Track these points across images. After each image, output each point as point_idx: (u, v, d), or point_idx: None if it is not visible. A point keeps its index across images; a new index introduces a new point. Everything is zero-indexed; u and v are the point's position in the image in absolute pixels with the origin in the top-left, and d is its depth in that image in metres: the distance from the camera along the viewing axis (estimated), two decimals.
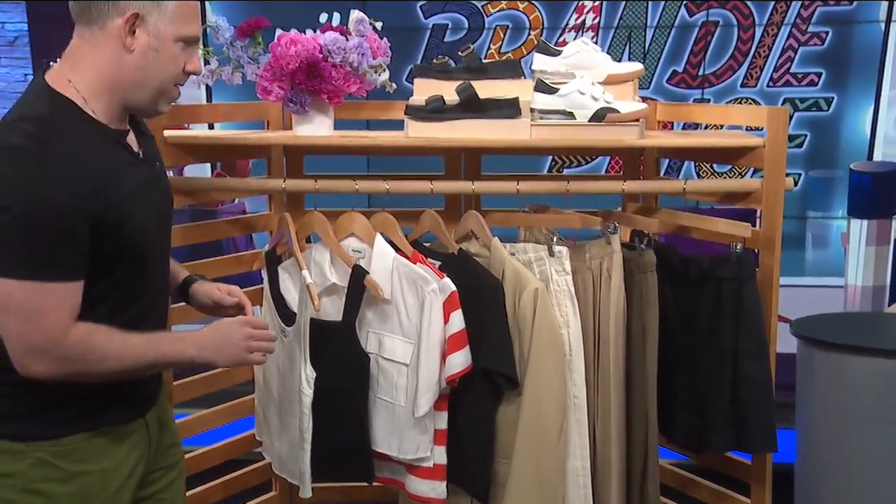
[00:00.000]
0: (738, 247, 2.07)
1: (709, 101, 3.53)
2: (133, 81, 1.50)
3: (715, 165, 3.52)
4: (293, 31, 2.09)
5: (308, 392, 2.03)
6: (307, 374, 2.03)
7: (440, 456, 2.05)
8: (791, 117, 2.62)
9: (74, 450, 1.49)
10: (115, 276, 1.49)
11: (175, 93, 1.57)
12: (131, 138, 1.57)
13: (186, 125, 2.46)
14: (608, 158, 3.53)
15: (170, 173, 2.09)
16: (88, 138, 1.46)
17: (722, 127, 2.62)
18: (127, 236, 1.47)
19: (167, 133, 2.07)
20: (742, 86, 3.52)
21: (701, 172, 3.55)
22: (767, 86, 3.53)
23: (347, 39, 2.09)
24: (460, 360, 1.97)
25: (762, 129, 2.13)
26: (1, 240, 1.36)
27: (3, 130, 1.42)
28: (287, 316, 2.12)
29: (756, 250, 2.15)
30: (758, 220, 2.39)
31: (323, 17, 2.15)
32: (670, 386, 2.15)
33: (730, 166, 3.45)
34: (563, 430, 2.00)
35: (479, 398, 2.04)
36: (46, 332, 1.40)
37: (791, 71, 3.54)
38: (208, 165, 3.46)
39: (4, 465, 1.46)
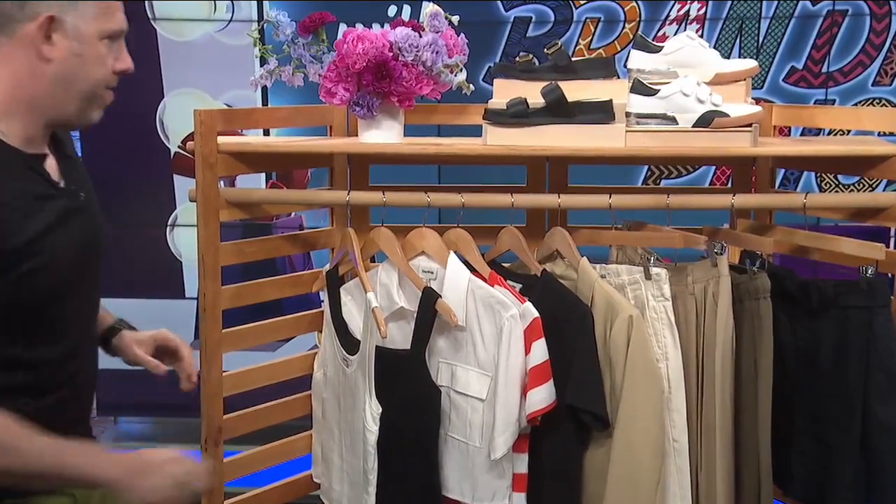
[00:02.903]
0: (869, 271, 2.04)
1: (834, 102, 3.48)
2: (54, 93, 1.48)
3: (840, 177, 3.46)
4: (360, 27, 2.14)
5: (373, 429, 2.07)
6: (372, 408, 2.07)
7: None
8: None
9: None
10: (25, 322, 1.48)
11: (108, 96, 1.56)
12: (51, 164, 1.56)
13: (240, 131, 2.54)
14: (713, 168, 3.51)
15: (221, 184, 2.18)
16: None
17: (849, 132, 2.59)
18: (34, 276, 1.45)
19: (220, 140, 2.15)
20: (874, 84, 3.46)
21: (823, 185, 3.50)
22: None
23: (420, 36, 2.13)
24: (543, 396, 1.98)
25: None
26: None
27: None
28: (350, 343, 2.16)
29: (890, 275, 2.11)
30: (892, 240, 2.36)
31: (392, 11, 2.20)
32: (787, 430, 2.12)
33: (857, 178, 3.39)
34: (661, 480, 1.99)
35: (564, 440, 2.05)
36: None
37: None
38: (262, 176, 3.56)
39: None
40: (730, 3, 3.42)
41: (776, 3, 3.42)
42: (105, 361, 3.70)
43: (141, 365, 1.77)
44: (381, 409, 2.07)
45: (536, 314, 1.99)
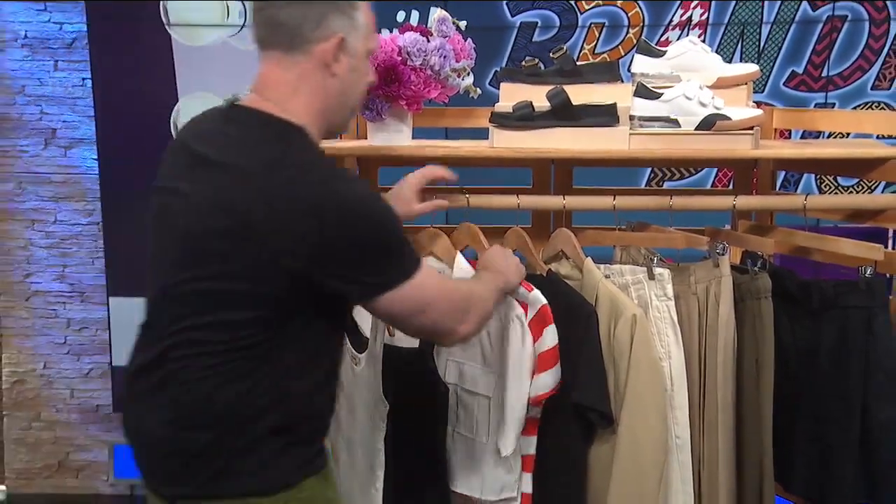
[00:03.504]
0: (868, 271, 2.04)
1: (833, 105, 3.47)
2: (336, 106, 1.64)
3: (839, 179, 3.46)
4: None
5: (381, 426, 2.07)
6: (380, 406, 2.08)
7: (527, 484, 2.06)
8: None
9: (313, 496, 1.61)
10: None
11: (360, 107, 1.74)
12: None
13: None
14: (715, 170, 3.50)
15: None
16: None
17: (848, 135, 2.58)
18: None
19: None
20: (873, 88, 3.45)
21: (823, 187, 3.49)
22: None
23: (428, 41, 2.14)
24: (549, 381, 1.99)
25: None
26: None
27: (322, 176, 1.55)
28: (359, 342, 2.17)
29: (889, 275, 2.11)
30: (890, 241, 2.35)
31: (401, 17, 2.20)
32: (788, 428, 2.12)
33: (856, 180, 3.38)
34: (664, 475, 2.00)
35: (570, 438, 2.05)
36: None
37: None
38: None
39: None
40: (732, 8, 3.42)
41: (777, 8, 3.41)
42: (120, 359, 3.69)
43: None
44: (388, 407, 2.07)
45: (544, 301, 1.99)
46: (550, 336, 1.98)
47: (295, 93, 1.60)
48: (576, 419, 2.02)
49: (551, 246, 2.19)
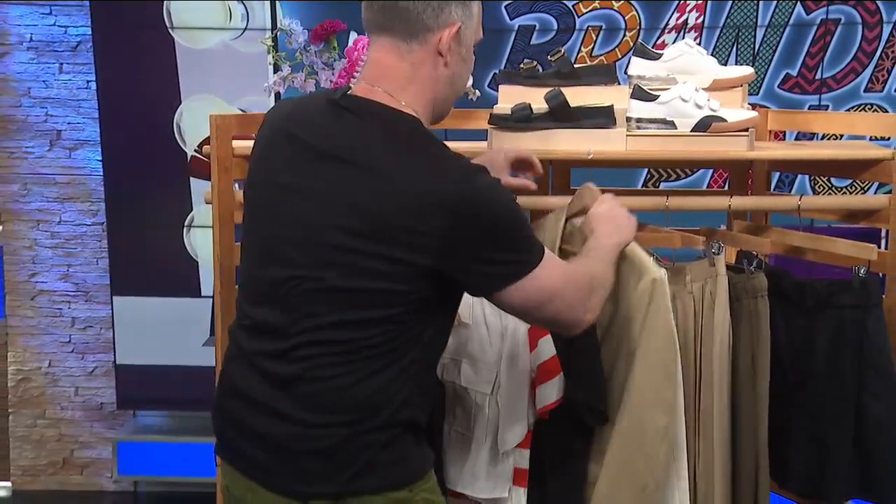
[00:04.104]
0: (862, 271, 2.03)
1: (827, 107, 3.47)
2: (447, 94, 1.61)
3: (833, 180, 3.45)
4: None
5: None
6: None
7: (519, 499, 2.05)
8: None
9: (435, 484, 1.62)
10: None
11: None
12: None
13: (255, 136, 2.54)
14: (710, 171, 3.50)
15: (236, 186, 2.18)
16: None
17: (841, 137, 2.58)
18: None
19: (236, 144, 2.14)
20: (866, 90, 3.45)
21: (817, 187, 3.49)
22: None
23: None
24: (551, 392, 1.97)
25: (889, 138, 2.09)
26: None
27: (459, 170, 1.51)
28: None
29: (882, 275, 2.11)
30: (883, 241, 2.35)
31: None
32: (783, 425, 2.11)
33: (850, 181, 3.38)
34: (669, 438, 1.94)
35: (564, 437, 2.03)
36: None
37: None
38: None
39: None
40: (727, 11, 3.42)
41: (772, 11, 3.41)
42: (124, 357, 3.69)
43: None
44: None
45: None
46: (547, 347, 1.97)
47: (410, 82, 1.55)
48: (568, 418, 1.99)
49: (577, 201, 2.07)
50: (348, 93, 1.58)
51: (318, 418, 1.53)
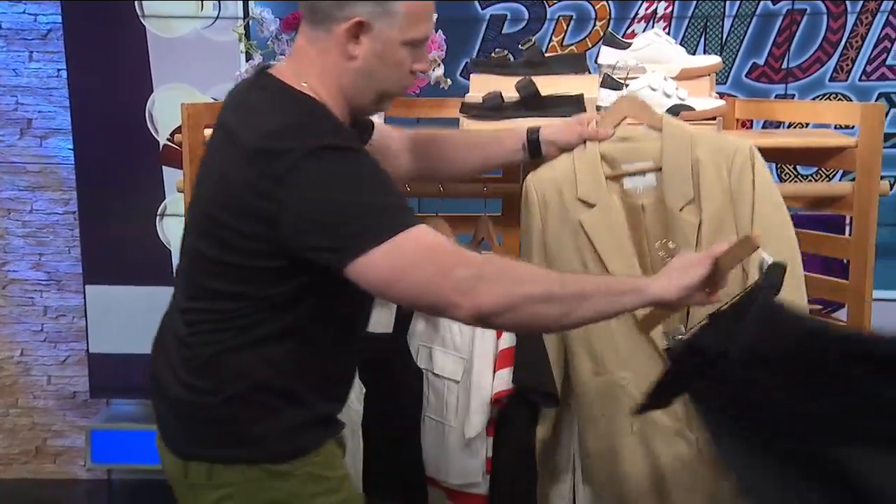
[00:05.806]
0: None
1: (793, 96, 3.49)
2: (359, 88, 1.59)
3: (799, 167, 3.48)
4: None
5: (357, 408, 2.06)
6: (357, 390, 2.07)
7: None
8: (887, 114, 2.58)
9: (329, 459, 1.63)
10: None
11: (402, 92, 1.68)
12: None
13: None
14: None
15: None
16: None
17: (807, 125, 2.60)
18: None
19: (207, 132, 2.12)
20: (831, 80, 3.48)
21: (783, 175, 3.52)
22: (860, 80, 3.49)
23: None
24: (508, 377, 1.99)
25: (853, 127, 2.11)
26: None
27: (293, 143, 1.46)
28: None
29: (846, 261, 2.13)
30: (847, 228, 2.37)
31: None
32: None
33: (815, 169, 3.41)
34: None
35: (520, 428, 2.05)
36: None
37: (887, 63, 3.49)
38: None
39: (273, 490, 1.56)
40: (695, 2, 3.43)
41: (739, 2, 3.43)
42: (96, 346, 3.65)
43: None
44: (365, 390, 2.07)
45: None
46: (510, 336, 1.99)
47: (315, 67, 1.58)
48: (522, 408, 2.01)
49: (614, 113, 1.99)
50: (266, 70, 1.63)
51: (199, 383, 1.58)
